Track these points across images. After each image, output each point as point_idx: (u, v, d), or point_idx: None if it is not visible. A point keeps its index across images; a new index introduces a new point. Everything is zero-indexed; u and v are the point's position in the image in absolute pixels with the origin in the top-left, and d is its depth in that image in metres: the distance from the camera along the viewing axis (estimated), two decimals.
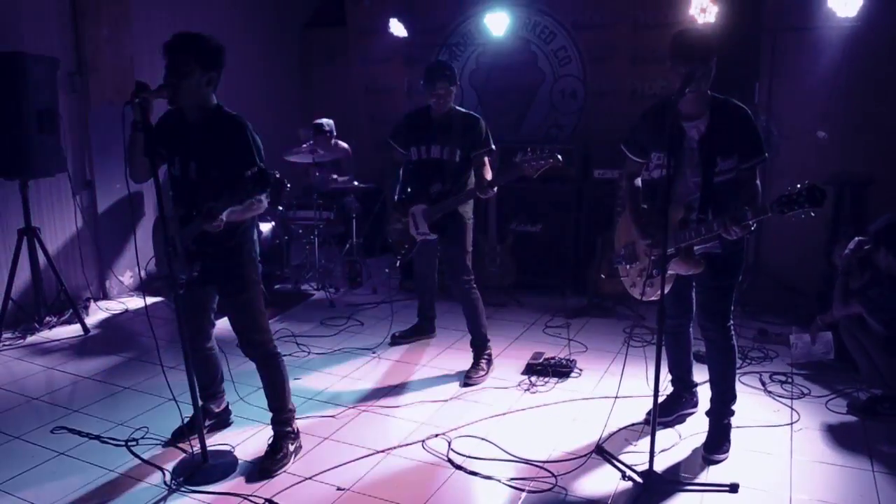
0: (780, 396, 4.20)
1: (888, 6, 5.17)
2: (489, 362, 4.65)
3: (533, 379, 4.45)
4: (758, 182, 3.29)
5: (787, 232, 5.58)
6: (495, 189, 4.38)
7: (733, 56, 5.55)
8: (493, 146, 4.57)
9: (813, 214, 2.80)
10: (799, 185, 2.79)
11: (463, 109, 4.61)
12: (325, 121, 6.67)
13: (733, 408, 3.63)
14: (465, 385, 4.42)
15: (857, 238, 4.17)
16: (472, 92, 7.30)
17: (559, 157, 4.14)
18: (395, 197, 4.76)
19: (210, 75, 3.20)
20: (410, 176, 4.74)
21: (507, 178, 4.37)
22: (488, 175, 4.49)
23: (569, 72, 6.89)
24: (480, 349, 4.66)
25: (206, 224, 3.05)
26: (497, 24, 6.64)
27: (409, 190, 4.72)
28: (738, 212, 3.00)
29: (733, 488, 3.18)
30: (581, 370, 4.58)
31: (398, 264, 4.97)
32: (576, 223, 6.25)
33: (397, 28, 7.00)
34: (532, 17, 6.91)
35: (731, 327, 3.54)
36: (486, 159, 4.54)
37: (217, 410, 3.83)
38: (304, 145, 6.37)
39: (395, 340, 5.15)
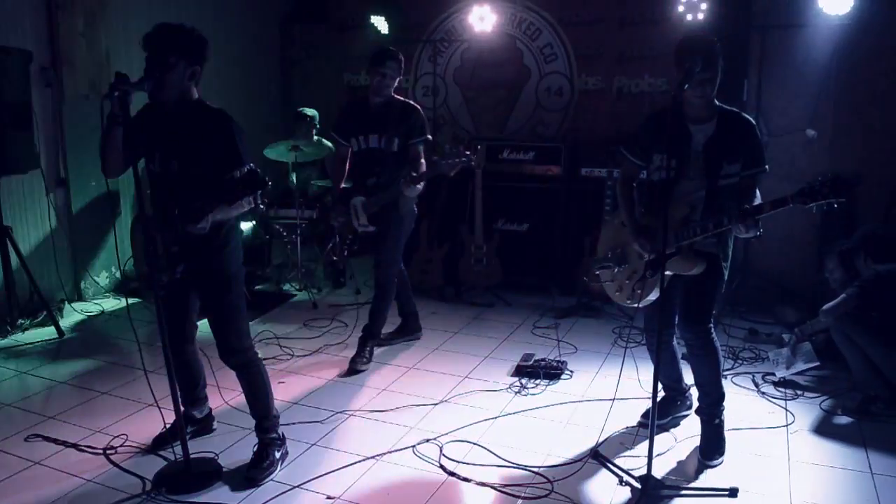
0: (773, 398, 4.15)
1: (879, 5, 5.15)
2: (372, 352, 4.71)
3: (524, 381, 4.36)
4: (756, 191, 3.30)
5: (776, 232, 5.54)
6: (420, 185, 4.39)
7: (722, 53, 5.51)
8: (430, 136, 4.58)
9: (836, 206, 2.79)
10: (820, 178, 2.80)
11: (402, 98, 4.58)
12: (308, 110, 6.53)
13: (723, 406, 3.55)
14: (353, 373, 4.49)
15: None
16: (457, 89, 7.20)
17: (472, 157, 4.31)
18: (339, 190, 4.73)
19: (194, 69, 3.08)
20: (352, 167, 4.72)
21: (426, 176, 4.39)
22: (421, 168, 4.48)
23: (555, 69, 6.81)
24: (371, 339, 4.70)
25: (191, 226, 2.92)
26: (482, 21, 6.54)
27: (346, 183, 4.71)
28: (756, 205, 2.99)
29: (732, 493, 3.12)
30: (572, 372, 4.50)
31: (344, 256, 4.95)
32: (563, 222, 6.18)
33: (379, 24, 6.88)
34: (518, 13, 6.83)
35: (712, 329, 3.45)
36: (421, 149, 4.52)
37: (199, 417, 3.69)
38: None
39: (380, 342, 5.03)
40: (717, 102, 3.28)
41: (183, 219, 2.94)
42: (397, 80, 4.48)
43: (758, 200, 3.24)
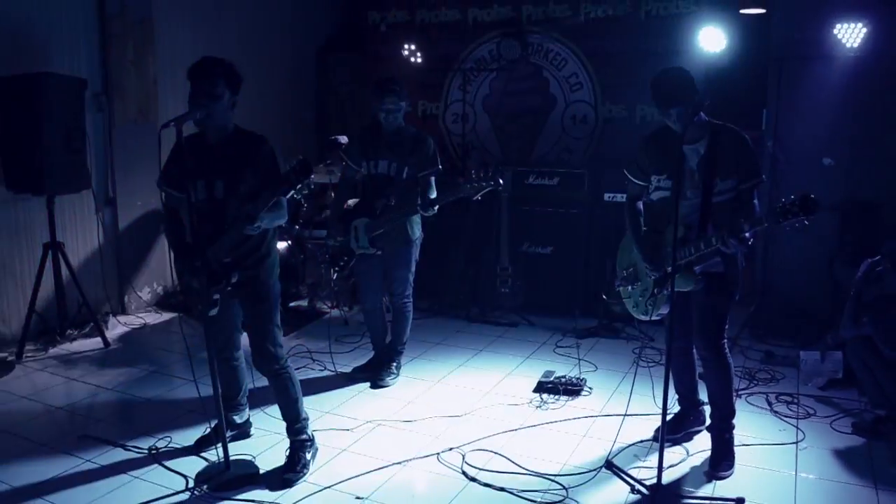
0: (785, 416, 4.26)
1: (892, 37, 5.30)
2: (399, 367, 4.92)
3: (544, 396, 4.54)
4: (756, 202, 3.46)
5: (793, 256, 5.67)
6: (437, 208, 4.48)
7: (741, 84, 5.70)
8: (441, 166, 4.68)
9: (807, 223, 2.94)
10: (793, 196, 2.94)
11: (414, 128, 4.71)
12: (341, 137, 6.79)
13: (733, 422, 3.71)
14: (377, 387, 4.71)
15: (868, 260, 4.27)
16: (485, 116, 7.45)
17: (500, 181, 4.32)
18: (339, 212, 4.81)
19: (235, 98, 3.39)
20: (360, 190, 4.85)
21: (447, 199, 4.48)
22: (432, 194, 4.58)
23: (580, 97, 7.04)
24: (396, 356, 4.92)
25: (249, 227, 3.22)
26: (510, 51, 6.79)
27: (351, 204, 4.84)
28: (735, 224, 3.15)
29: (739, 502, 3.25)
30: (591, 388, 4.67)
31: (335, 277, 5.10)
32: (586, 245, 6.34)
33: (412, 54, 7.16)
34: (545, 44, 7.08)
35: (725, 345, 3.63)
36: (433, 180, 4.63)
37: (239, 422, 3.94)
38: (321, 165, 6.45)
39: (354, 375, 4.94)
40: (706, 118, 3.44)
41: (241, 222, 3.23)
42: (404, 107, 4.56)
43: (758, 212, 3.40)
